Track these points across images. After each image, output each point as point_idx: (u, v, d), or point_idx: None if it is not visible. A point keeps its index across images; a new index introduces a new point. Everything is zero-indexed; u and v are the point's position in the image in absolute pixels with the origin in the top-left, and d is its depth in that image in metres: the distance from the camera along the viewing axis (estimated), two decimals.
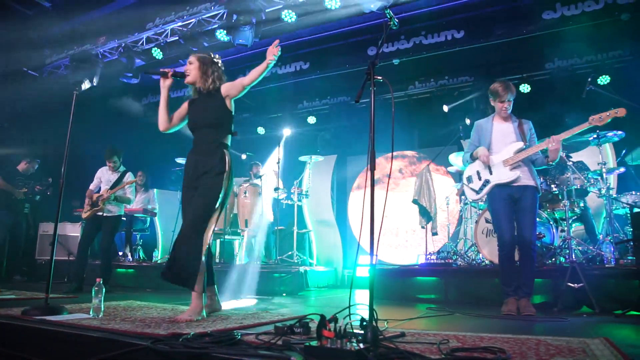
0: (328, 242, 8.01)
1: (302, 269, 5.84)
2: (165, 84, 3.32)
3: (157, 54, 7.36)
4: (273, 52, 3.14)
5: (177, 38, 7.12)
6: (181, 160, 7.29)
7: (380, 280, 5.25)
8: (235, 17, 6.14)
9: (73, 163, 3.77)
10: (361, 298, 5.52)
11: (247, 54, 7.94)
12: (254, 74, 3.23)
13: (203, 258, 3.01)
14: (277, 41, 3.18)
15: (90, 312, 2.89)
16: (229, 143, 3.29)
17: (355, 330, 1.93)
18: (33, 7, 8.45)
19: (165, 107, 3.33)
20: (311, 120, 8.83)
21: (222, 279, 5.85)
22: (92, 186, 5.79)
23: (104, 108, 8.57)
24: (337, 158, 8.40)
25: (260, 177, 7.22)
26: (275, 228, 7.03)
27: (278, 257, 6.61)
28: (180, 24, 7.04)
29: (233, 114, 3.32)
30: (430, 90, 7.98)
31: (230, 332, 2.09)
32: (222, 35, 6.61)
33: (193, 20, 6.90)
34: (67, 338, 2.39)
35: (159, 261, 7.48)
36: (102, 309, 2.91)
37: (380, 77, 2.18)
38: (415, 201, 6.16)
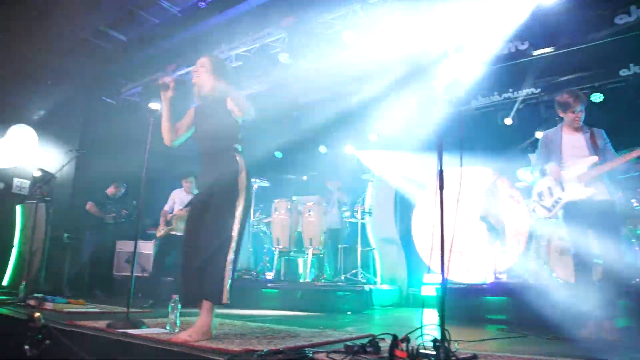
0: (392, 260, 7.91)
1: (367, 287, 5.81)
2: (167, 95, 3.11)
3: None
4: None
5: (242, 63, 7.42)
6: None
7: (446, 300, 5.11)
8: (297, 40, 6.32)
9: (146, 184, 4.00)
10: (428, 317, 5.41)
11: None
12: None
13: (229, 271, 2.80)
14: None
15: (167, 327, 3.03)
16: (240, 149, 3.00)
17: (427, 351, 1.90)
18: (111, 42, 9.14)
19: (168, 118, 3.09)
20: (373, 137, 8.82)
21: (288, 297, 5.96)
22: (166, 207, 6.09)
23: None
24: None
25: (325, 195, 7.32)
26: (339, 246, 7.06)
27: (342, 276, 6.61)
28: (244, 49, 7.34)
29: (239, 122, 3.04)
30: (494, 103, 7.77)
31: (302, 350, 2.13)
32: (284, 58, 6.82)
33: (257, 45, 7.17)
34: (147, 351, 2.52)
35: None
36: (178, 324, 3.05)
37: (447, 97, 2.18)
38: (482, 218, 5.98)
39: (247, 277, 6.79)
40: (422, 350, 1.85)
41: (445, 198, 1.99)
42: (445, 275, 2.06)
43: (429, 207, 8.35)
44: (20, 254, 7.42)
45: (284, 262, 6.98)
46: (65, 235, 7.88)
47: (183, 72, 8.28)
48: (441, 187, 2.07)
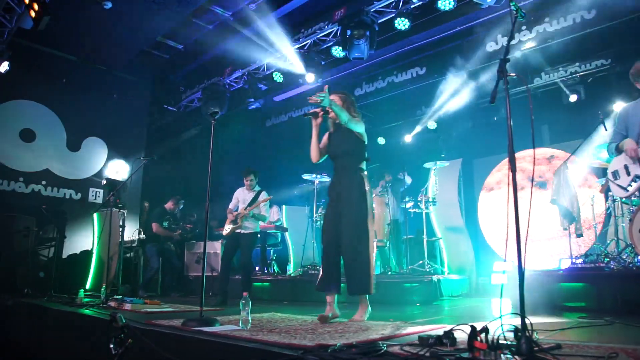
0: (458, 249, 7.70)
1: (435, 277, 5.68)
2: (317, 122, 3.76)
3: (278, 77, 7.78)
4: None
5: (294, 60, 7.46)
6: (307, 177, 7.56)
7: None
8: (349, 32, 6.26)
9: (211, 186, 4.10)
10: (504, 307, 5.20)
11: (363, 66, 8.05)
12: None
13: (373, 267, 3.53)
14: (326, 87, 3.56)
15: (240, 324, 3.09)
16: (364, 167, 3.72)
17: (508, 342, 1.81)
18: (169, 52, 9.49)
19: (316, 142, 3.79)
20: (431, 125, 8.63)
21: None
22: (231, 205, 6.23)
23: (232, 133, 9.26)
24: (462, 162, 8.08)
25: (387, 187, 7.22)
26: (405, 237, 6.95)
27: (409, 267, 6.51)
28: (297, 46, 7.38)
29: (366, 142, 3.76)
30: (560, 79, 7.35)
31: (376, 343, 2.09)
32: (337, 51, 6.79)
33: (309, 41, 7.19)
34: (222, 347, 2.58)
35: (292, 274, 7.80)
36: (250, 321, 3.10)
37: (514, 74, 2.06)
38: (554, 201, 5.67)
39: (312, 272, 6.84)
40: (502, 341, 1.76)
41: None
42: (521, 262, 1.95)
43: (495, 193, 8.06)
44: (99, 259, 7.87)
45: None
46: (137, 240, 8.29)
47: (239, 75, 8.44)
48: (513, 170, 1.95)
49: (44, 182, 8.53)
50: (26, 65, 8.14)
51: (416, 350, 1.94)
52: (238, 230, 5.95)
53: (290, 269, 8.48)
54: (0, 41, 7.29)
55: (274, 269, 7.80)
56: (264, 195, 6.14)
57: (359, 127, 3.71)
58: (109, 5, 6.67)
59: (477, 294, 7.11)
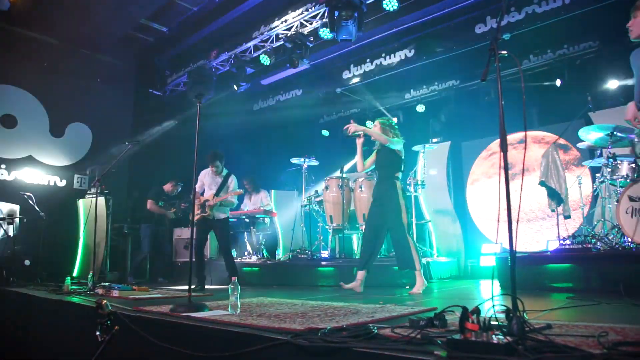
0: (447, 232, 7.73)
1: (424, 260, 5.69)
2: (360, 142, 4.96)
3: (265, 60, 7.67)
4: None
5: (283, 42, 7.34)
6: (296, 161, 7.50)
7: (506, 270, 4.91)
8: (337, 13, 6.16)
9: (197, 170, 4.06)
10: (488, 289, 5.24)
11: (351, 49, 7.96)
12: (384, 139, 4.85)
13: (415, 249, 4.71)
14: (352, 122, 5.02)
15: (229, 309, 3.06)
16: (399, 176, 4.87)
17: (499, 323, 1.80)
18: (154, 34, 9.30)
19: (361, 157, 5.01)
20: (420, 108, 8.60)
21: (344, 274, 5.94)
22: (197, 188, 6.06)
23: (219, 117, 9.13)
24: (450, 145, 8.07)
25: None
26: None
27: None
28: (284, 28, 7.26)
29: (403, 158, 4.91)
30: (548, 62, 7.32)
31: (367, 326, 2.07)
32: (325, 33, 6.70)
33: (296, 22, 7.07)
34: (211, 333, 2.55)
35: (281, 259, 7.79)
36: (239, 306, 3.08)
37: (505, 52, 2.02)
38: (542, 183, 5.68)
39: (302, 256, 6.83)
40: (494, 322, 1.74)
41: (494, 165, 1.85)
42: (512, 243, 1.93)
43: (483, 176, 8.08)
44: (85, 246, 7.79)
45: (338, 240, 6.96)
46: (125, 226, 8.21)
47: (225, 58, 8.31)
48: (504, 150, 1.92)
49: (27, 169, 8.37)
50: (5, 49, 7.92)
51: (407, 333, 1.93)
52: (209, 217, 5.88)
53: (280, 254, 8.47)
54: None
55: (263, 254, 7.78)
56: (233, 182, 6.04)
57: (396, 146, 4.80)
58: None
59: (466, 276, 7.17)
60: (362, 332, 1.98)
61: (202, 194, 6.06)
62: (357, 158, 5.02)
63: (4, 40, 7.83)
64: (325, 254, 6.88)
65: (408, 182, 6.71)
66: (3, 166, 8.09)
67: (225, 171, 6.10)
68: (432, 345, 1.79)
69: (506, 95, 2.09)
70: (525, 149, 1.98)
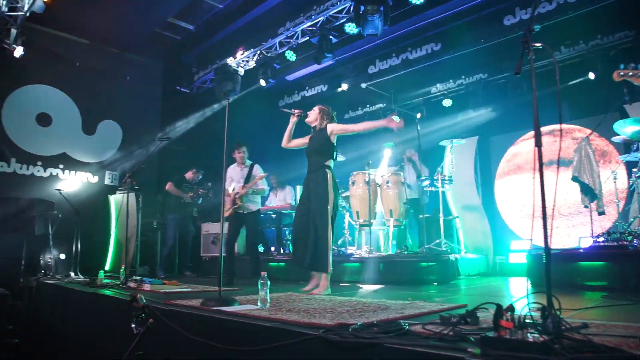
0: (475, 228, 7.64)
1: (452, 257, 5.64)
2: (293, 120, 4.69)
3: (291, 56, 7.69)
4: (398, 126, 4.23)
5: (308, 38, 7.35)
6: None
7: (538, 267, 4.83)
8: (362, 8, 6.13)
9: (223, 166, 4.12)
10: (518, 286, 5.16)
11: (377, 43, 7.91)
12: (366, 126, 4.52)
13: (330, 248, 4.19)
14: (402, 121, 4.38)
15: (258, 304, 3.09)
16: (331, 165, 4.45)
17: (534, 321, 1.77)
18: (180, 32, 9.43)
19: (289, 133, 4.73)
20: (447, 102, 8.50)
21: (371, 270, 5.93)
22: (227, 186, 6.18)
23: (245, 113, 9.21)
24: (478, 139, 7.96)
25: (404, 165, 7.17)
26: (420, 216, 6.90)
27: (425, 246, 6.47)
28: (309, 24, 7.27)
29: (335, 145, 4.48)
30: (580, 53, 7.12)
31: (398, 322, 2.06)
32: (351, 28, 6.67)
33: (321, 18, 7.06)
34: (242, 327, 2.58)
35: None
36: (269, 301, 3.11)
37: (539, 44, 1.97)
38: (575, 178, 5.54)
39: None
40: (529, 320, 1.72)
41: (525, 160, 1.81)
42: (547, 240, 1.90)
43: (512, 171, 7.94)
44: (117, 241, 7.98)
45: (365, 235, 6.95)
46: (154, 221, 8.37)
47: (249, 53, 8.35)
48: (538, 145, 1.88)
49: (61, 166, 8.62)
50: (40, 50, 8.15)
51: (439, 330, 1.91)
52: (240, 211, 5.93)
53: None
54: (14, 26, 7.29)
55: (289, 249, 7.83)
56: (257, 169, 6.11)
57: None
58: None
59: (494, 273, 7.08)
60: (393, 328, 1.97)
61: (233, 190, 6.15)
62: (286, 133, 4.76)
63: (39, 42, 8.06)
64: (352, 249, 6.88)
65: (435, 178, 6.63)
66: (39, 163, 8.35)
67: (249, 162, 6.20)
68: (465, 342, 1.77)
69: (538, 87, 2.04)
70: (560, 142, 1.93)
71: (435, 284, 5.32)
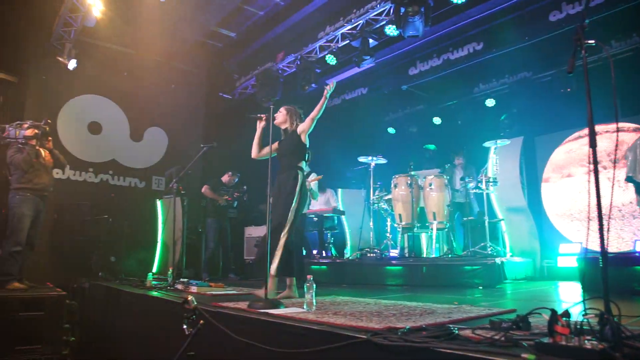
0: (521, 231, 7.41)
1: (498, 260, 5.50)
2: (260, 125, 4.42)
3: (331, 60, 7.72)
4: (327, 89, 4.27)
5: (348, 41, 7.37)
6: (363, 159, 7.48)
7: (591, 271, 4.64)
8: (403, 9, 6.09)
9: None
10: (569, 291, 4.99)
11: (417, 44, 7.84)
12: (316, 109, 4.30)
13: (281, 251, 3.98)
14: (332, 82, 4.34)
15: (304, 307, 3.13)
16: (302, 166, 4.31)
17: (591, 327, 1.72)
18: (222, 40, 9.65)
19: (258, 140, 4.48)
20: (490, 102, 8.32)
21: (413, 273, 5.87)
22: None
23: None
24: (523, 140, 7.73)
25: (451, 170, 7.07)
26: (465, 219, 6.78)
27: (470, 249, 6.35)
28: (349, 27, 7.28)
29: (307, 146, 4.37)
30: (633, 47, 6.82)
31: (447, 327, 2.05)
32: (391, 30, 6.64)
33: (361, 21, 7.06)
34: (289, 329, 2.61)
35: (350, 257, 7.82)
36: (315, 304, 3.13)
37: (592, 41, 1.91)
38: (629, 178, 5.32)
39: (371, 255, 6.82)
40: (586, 326, 1.66)
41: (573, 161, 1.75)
42: (603, 244, 1.84)
43: (560, 171, 7.68)
44: (164, 244, 8.22)
45: (407, 239, 6.89)
46: (199, 225, 8.57)
47: (292, 60, 8.45)
48: (593, 146, 1.83)
49: (111, 172, 8.97)
50: (91, 62, 8.53)
51: (490, 335, 1.88)
52: None
53: (348, 252, 8.50)
54: (68, 40, 7.67)
55: (331, 252, 7.85)
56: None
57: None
58: None
59: (542, 277, 6.85)
60: (443, 333, 1.96)
61: None
62: (255, 142, 4.48)
63: (90, 54, 8.45)
64: (394, 252, 6.83)
65: (479, 179, 6.50)
66: (90, 169, 8.72)
67: None
68: (518, 348, 1.74)
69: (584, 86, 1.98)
70: (617, 141, 1.86)
71: (480, 287, 5.21)
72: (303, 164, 4.35)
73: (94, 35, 8.19)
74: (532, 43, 7.06)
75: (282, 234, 4.02)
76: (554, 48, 7.09)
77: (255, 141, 4.49)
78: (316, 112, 4.29)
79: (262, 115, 4.39)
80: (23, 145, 5.00)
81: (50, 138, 5.28)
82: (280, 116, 4.47)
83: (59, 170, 7.54)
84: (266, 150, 4.46)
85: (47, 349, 4.45)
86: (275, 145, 4.46)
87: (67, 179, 8.36)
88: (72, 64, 7.79)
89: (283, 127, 4.48)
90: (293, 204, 4.11)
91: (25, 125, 5.06)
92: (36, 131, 5.01)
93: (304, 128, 4.33)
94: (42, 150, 5.17)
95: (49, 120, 5.26)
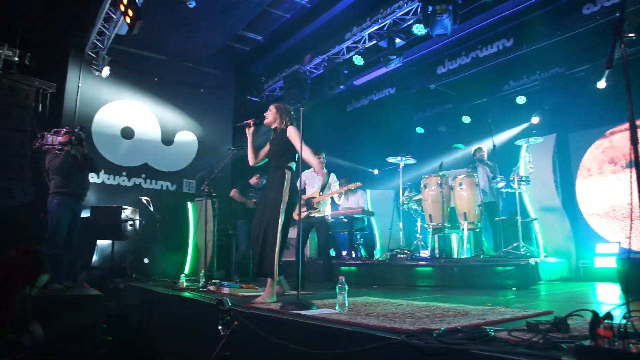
0: (555, 230, 7.23)
1: (532, 261, 5.38)
2: (249, 131, 4.41)
3: (358, 61, 7.71)
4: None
5: (375, 42, 7.34)
6: (392, 160, 7.43)
7: (633, 272, 4.49)
8: (430, 8, 6.04)
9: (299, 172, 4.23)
10: (607, 292, 4.84)
11: (446, 42, 7.75)
12: (308, 159, 4.08)
13: (277, 253, 3.91)
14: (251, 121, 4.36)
15: (337, 308, 3.13)
16: (292, 166, 4.21)
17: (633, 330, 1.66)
18: (249, 44, 9.75)
19: (251, 147, 4.42)
20: (520, 100, 8.16)
21: (444, 274, 5.80)
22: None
23: (313, 119, 9.34)
24: (556, 137, 7.55)
25: (476, 167, 6.96)
26: (496, 219, 6.66)
27: (502, 250, 6.24)
28: (376, 27, 7.26)
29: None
30: None
31: (482, 329, 2.02)
32: (419, 29, 6.59)
33: (388, 21, 7.03)
34: (322, 331, 2.62)
35: (380, 258, 7.78)
36: (347, 305, 3.13)
37: (632, 35, 1.86)
38: None
39: (401, 256, 6.78)
40: (630, 329, 1.61)
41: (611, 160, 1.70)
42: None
43: (596, 169, 7.47)
44: (195, 246, 8.35)
45: (438, 239, 6.81)
46: (229, 226, 8.67)
47: (319, 62, 8.48)
48: (634, 142, 1.77)
49: (143, 176, 9.17)
50: (124, 69, 8.77)
51: (528, 337, 1.85)
52: (312, 215, 5.98)
53: (377, 253, 8.46)
54: (102, 48, 7.90)
55: (361, 253, 7.83)
56: (333, 176, 6.12)
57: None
58: (193, 4, 6.94)
59: (579, 278, 6.67)
60: (479, 335, 1.93)
61: (303, 192, 6.24)
62: (249, 149, 4.42)
63: (123, 61, 8.70)
64: (424, 253, 6.77)
65: (511, 179, 6.37)
66: (124, 173, 8.94)
67: (325, 169, 6.23)
68: (557, 350, 1.70)
69: (620, 80, 1.92)
70: None
71: (514, 289, 5.11)
72: (293, 164, 4.25)
73: (126, 43, 8.41)
74: (564, 38, 6.90)
75: (277, 235, 3.94)
76: (587, 42, 6.91)
77: (249, 148, 4.42)
78: (304, 156, 4.07)
79: (249, 122, 4.39)
80: (59, 151, 5.16)
81: (84, 143, 5.43)
82: (270, 115, 4.39)
83: (94, 175, 7.77)
84: (262, 154, 4.43)
85: (85, 348, 4.58)
86: (267, 148, 4.42)
87: (102, 183, 8.60)
88: (105, 72, 8.03)
89: (273, 126, 4.38)
90: (282, 205, 4.00)
91: (62, 132, 5.23)
92: (70, 137, 5.17)
93: (291, 135, 4.19)
94: (77, 155, 5.33)
95: (83, 126, 5.44)
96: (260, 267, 4.00)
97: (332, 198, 6.26)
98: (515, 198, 6.41)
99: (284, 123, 4.30)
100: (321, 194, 5.97)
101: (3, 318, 2.77)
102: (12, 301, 2.83)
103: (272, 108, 4.41)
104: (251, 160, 4.44)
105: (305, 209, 6.03)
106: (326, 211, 6.11)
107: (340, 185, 6.27)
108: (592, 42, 6.77)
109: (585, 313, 1.67)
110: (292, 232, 8.36)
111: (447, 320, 2.56)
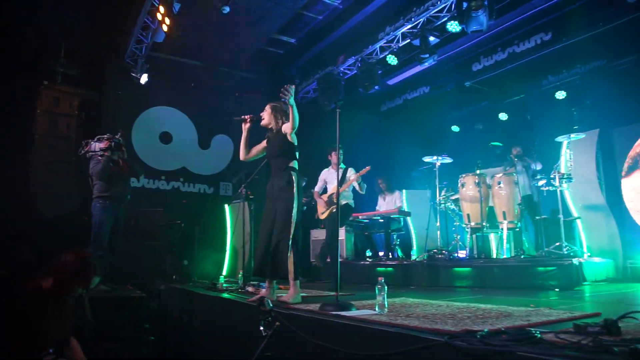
0: (600, 229, 6.97)
1: (575, 260, 5.21)
2: (246, 127, 4.38)
3: (392, 60, 7.67)
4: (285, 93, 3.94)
5: (409, 41, 7.29)
6: (428, 159, 7.33)
7: None
8: (465, 4, 5.94)
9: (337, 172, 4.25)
10: None
11: (481, 38, 7.62)
12: (290, 121, 4.13)
13: (291, 255, 3.95)
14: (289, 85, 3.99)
15: (376, 309, 3.12)
16: (295, 166, 4.19)
17: None
18: (283, 47, 9.84)
19: (245, 142, 4.39)
20: (560, 95, 7.92)
21: (483, 275, 5.69)
22: (317, 188, 6.26)
23: (347, 120, 9.33)
24: (599, 132, 7.29)
25: (514, 164, 6.80)
26: (537, 218, 6.49)
27: (544, 249, 6.07)
28: (409, 26, 7.20)
29: (295, 144, 4.24)
30: None
31: (527, 330, 1.97)
32: (453, 26, 6.50)
33: (422, 19, 6.96)
34: (363, 331, 2.62)
35: (417, 259, 7.70)
36: (387, 306, 3.12)
37: None
38: None
39: (439, 256, 6.69)
40: None
41: None
42: None
43: None
44: (233, 248, 8.47)
45: (476, 239, 6.69)
46: None
47: (352, 62, 8.48)
48: None
49: (181, 179, 9.40)
50: (161, 75, 9.01)
51: (577, 339, 1.80)
52: (335, 210, 5.94)
53: (414, 254, 8.38)
54: (140, 56, 8.15)
55: (397, 254, 7.77)
56: (351, 169, 6.09)
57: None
58: (227, 10, 7.07)
59: (626, 279, 6.42)
60: (524, 336, 1.89)
61: (325, 192, 6.26)
62: (242, 143, 4.40)
63: (160, 68, 8.95)
64: (462, 254, 6.66)
65: (552, 176, 6.19)
66: (162, 177, 9.19)
67: (342, 166, 6.24)
68: (608, 354, 1.65)
69: None
70: None
71: (557, 290, 4.96)
72: (295, 164, 4.23)
73: (163, 50, 8.63)
74: (606, 29, 6.66)
75: (289, 239, 3.98)
76: (631, 32, 6.64)
77: (242, 143, 4.41)
78: (292, 119, 4.14)
79: (246, 117, 4.38)
80: (101, 157, 5.35)
81: (124, 149, 5.61)
82: (266, 115, 4.37)
83: (135, 179, 8.01)
84: (254, 151, 4.45)
85: (128, 348, 4.73)
86: (263, 144, 4.42)
87: (142, 187, 8.84)
88: (143, 79, 8.28)
89: (269, 126, 4.37)
90: (293, 208, 4.03)
91: (104, 139, 5.42)
92: (110, 143, 5.36)
93: (287, 129, 4.20)
94: (119, 161, 5.51)
95: (123, 132, 5.63)
96: (273, 270, 4.02)
97: (353, 188, 6.23)
98: (557, 196, 6.22)
99: (279, 123, 4.30)
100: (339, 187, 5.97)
101: (61, 322, 2.92)
102: (69, 302, 2.97)
103: (267, 108, 4.40)
104: (242, 155, 4.46)
105: (327, 206, 6.04)
106: (345, 201, 6.06)
107: (377, 186, 6.23)
108: (636, 32, 6.51)
109: (638, 315, 1.61)
110: (321, 234, 8.41)
111: (490, 322, 2.52)
